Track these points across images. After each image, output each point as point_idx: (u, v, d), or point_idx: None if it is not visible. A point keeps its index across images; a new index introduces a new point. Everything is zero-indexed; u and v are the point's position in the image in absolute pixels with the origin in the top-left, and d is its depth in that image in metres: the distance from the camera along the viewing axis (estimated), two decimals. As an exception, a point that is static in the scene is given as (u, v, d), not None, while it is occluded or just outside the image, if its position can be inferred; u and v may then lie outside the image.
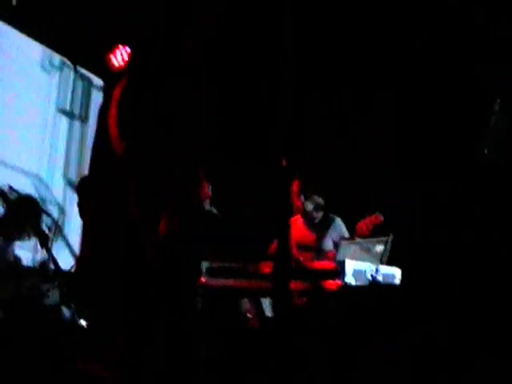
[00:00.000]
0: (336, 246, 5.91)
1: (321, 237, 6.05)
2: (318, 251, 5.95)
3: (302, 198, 6.11)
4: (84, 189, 5.89)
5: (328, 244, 6.02)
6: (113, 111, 4.51)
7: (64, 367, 4.61)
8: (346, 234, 6.04)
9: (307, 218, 6.12)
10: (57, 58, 7.13)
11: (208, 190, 6.06)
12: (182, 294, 4.85)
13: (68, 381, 4.49)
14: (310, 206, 6.09)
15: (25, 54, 6.89)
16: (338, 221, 6.14)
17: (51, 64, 7.12)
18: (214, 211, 6.02)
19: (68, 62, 7.20)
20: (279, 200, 3.93)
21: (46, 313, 5.08)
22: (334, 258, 5.68)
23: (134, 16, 6.06)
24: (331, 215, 6.17)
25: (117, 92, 5.10)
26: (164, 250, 4.31)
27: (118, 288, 4.57)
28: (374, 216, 5.68)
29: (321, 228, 6.10)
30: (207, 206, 5.98)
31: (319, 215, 6.11)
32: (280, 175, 3.87)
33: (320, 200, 6.13)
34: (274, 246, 5.95)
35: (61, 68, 7.22)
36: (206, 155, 6.98)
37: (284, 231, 3.97)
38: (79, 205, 5.92)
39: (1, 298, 4.89)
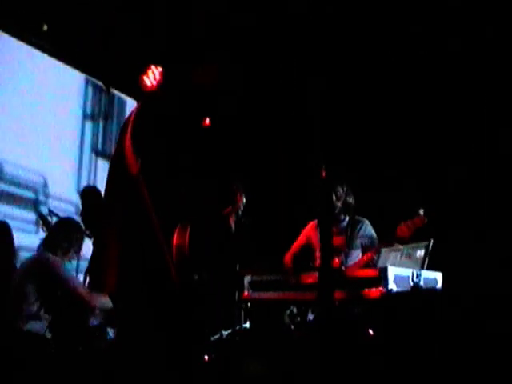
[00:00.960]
0: (364, 249, 5.87)
1: (349, 240, 5.98)
2: (347, 254, 5.90)
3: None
4: (88, 201, 5.84)
5: (357, 247, 5.96)
6: (129, 129, 4.42)
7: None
8: (375, 236, 5.96)
9: (335, 219, 6.03)
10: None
11: (241, 201, 6.08)
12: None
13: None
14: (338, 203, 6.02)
15: (57, 78, 7.02)
16: (367, 223, 6.06)
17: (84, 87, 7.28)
18: (244, 221, 6.02)
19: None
20: (320, 210, 3.95)
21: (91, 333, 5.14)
22: (364, 263, 5.65)
23: (165, 37, 6.16)
24: (358, 217, 6.05)
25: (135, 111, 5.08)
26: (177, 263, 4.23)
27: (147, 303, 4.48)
28: (418, 218, 5.41)
29: (349, 231, 6.03)
30: (236, 218, 5.99)
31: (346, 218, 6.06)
32: (320, 186, 3.89)
33: (351, 200, 6.06)
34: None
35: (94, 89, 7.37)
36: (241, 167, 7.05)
37: (326, 241, 3.98)
38: (81, 215, 5.87)
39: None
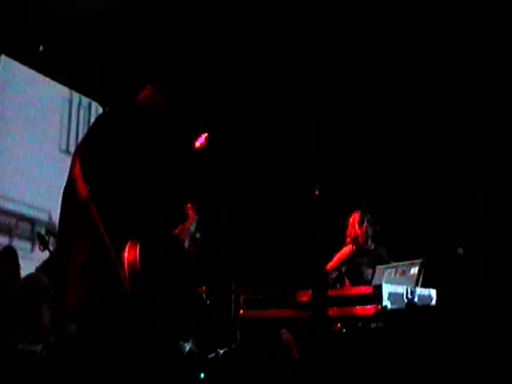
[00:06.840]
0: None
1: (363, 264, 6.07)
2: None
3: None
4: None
5: (367, 272, 5.99)
6: (79, 154, 4.25)
7: None
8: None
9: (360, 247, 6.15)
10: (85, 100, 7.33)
11: (193, 218, 6.00)
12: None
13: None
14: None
15: (52, 99, 7.06)
16: (383, 250, 6.15)
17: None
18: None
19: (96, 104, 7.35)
20: (313, 231, 3.95)
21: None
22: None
23: (162, 55, 6.15)
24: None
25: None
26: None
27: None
28: None
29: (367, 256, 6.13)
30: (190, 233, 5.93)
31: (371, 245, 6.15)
32: (313, 205, 3.90)
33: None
34: None
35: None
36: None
37: (320, 259, 3.98)
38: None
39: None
